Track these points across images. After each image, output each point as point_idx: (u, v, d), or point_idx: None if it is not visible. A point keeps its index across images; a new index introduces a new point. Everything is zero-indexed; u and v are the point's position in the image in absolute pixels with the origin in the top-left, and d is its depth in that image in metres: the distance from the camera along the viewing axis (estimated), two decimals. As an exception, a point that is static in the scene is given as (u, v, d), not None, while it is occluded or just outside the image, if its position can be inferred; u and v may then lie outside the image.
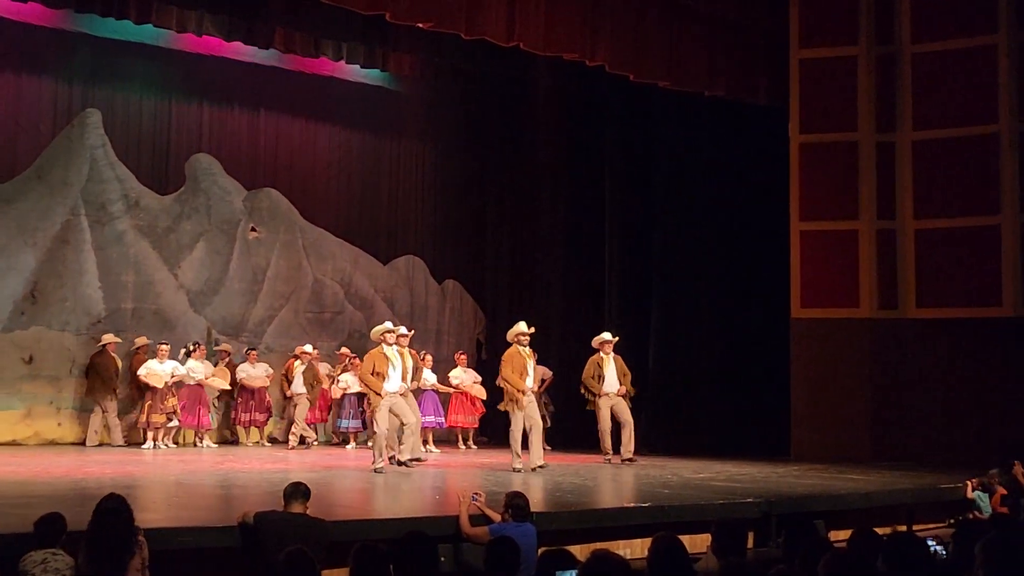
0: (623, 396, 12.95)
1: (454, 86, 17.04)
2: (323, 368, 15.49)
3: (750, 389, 14.97)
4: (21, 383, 13.81)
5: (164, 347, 14.03)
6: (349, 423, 15.12)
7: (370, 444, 15.01)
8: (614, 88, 15.48)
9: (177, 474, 10.82)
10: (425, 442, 14.79)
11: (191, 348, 14.48)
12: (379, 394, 11.23)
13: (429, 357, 15.38)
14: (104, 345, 14.15)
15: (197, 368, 14.36)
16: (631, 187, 16.34)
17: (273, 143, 16.25)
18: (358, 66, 15.85)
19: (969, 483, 10.44)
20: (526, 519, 7.11)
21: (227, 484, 9.94)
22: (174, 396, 13.87)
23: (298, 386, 14.64)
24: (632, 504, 8.80)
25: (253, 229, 15.91)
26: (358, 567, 5.07)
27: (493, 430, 15.88)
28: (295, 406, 14.65)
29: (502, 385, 12.03)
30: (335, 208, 16.75)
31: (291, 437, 14.53)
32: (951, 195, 14.09)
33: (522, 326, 12.06)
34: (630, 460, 12.82)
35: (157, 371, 13.85)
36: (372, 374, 11.24)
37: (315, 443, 14.83)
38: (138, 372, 13.93)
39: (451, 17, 12.67)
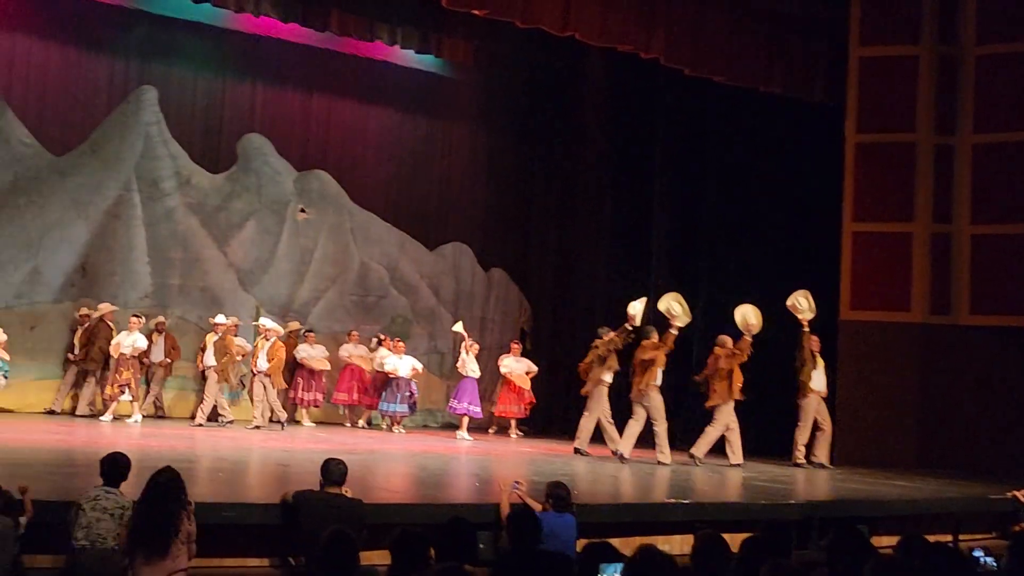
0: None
1: (507, 74, 17.01)
2: (361, 350, 15.55)
3: (795, 390, 14.82)
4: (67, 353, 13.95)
5: (136, 319, 13.73)
6: (396, 407, 15.07)
7: (396, 429, 15.09)
8: (668, 81, 15.37)
9: (223, 450, 10.92)
10: (458, 428, 14.88)
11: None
12: None
13: (476, 345, 15.41)
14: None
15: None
16: (681, 181, 16.23)
17: (324, 125, 16.31)
18: (412, 51, 15.86)
19: (1017, 493, 10.27)
20: (566, 510, 7.10)
21: (272, 462, 10.02)
22: (129, 370, 13.51)
23: (209, 359, 14.06)
24: (673, 500, 8.76)
25: (302, 210, 15.99)
26: (399, 551, 5.09)
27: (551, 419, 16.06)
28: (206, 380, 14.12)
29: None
30: (384, 192, 16.80)
31: (199, 412, 13.86)
32: (1010, 201, 13.84)
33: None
34: (822, 465, 12.86)
35: (119, 342, 13.62)
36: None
37: (229, 423, 14.04)
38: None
39: (507, 5, 12.66)
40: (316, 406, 15.25)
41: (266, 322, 14.12)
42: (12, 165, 13.87)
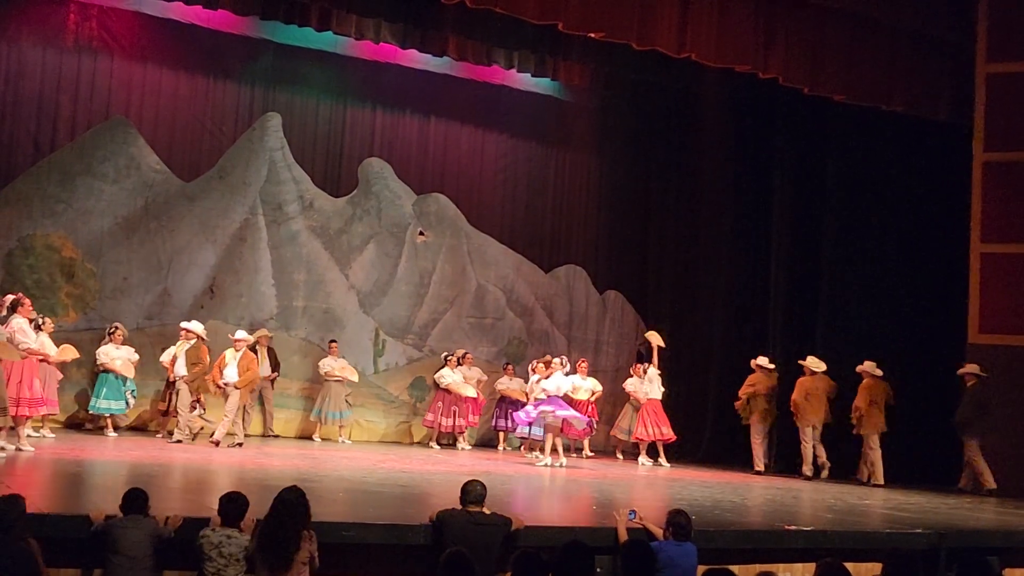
0: None
1: (623, 96, 17.04)
2: (475, 372, 15.61)
3: (921, 416, 14.43)
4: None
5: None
6: (533, 431, 14.31)
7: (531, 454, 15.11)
8: (787, 101, 15.18)
9: (343, 470, 11.10)
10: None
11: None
12: None
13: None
14: None
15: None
16: (800, 202, 15.97)
17: (442, 149, 16.55)
18: (529, 75, 16.01)
19: None
20: (687, 538, 7.01)
21: (391, 483, 10.15)
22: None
23: (180, 368, 12.99)
24: (794, 527, 8.59)
25: (421, 233, 16.23)
26: (519, 573, 5.12)
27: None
28: (177, 392, 12.95)
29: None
30: (500, 215, 16.95)
31: (220, 430, 12.71)
32: None
33: None
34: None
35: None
36: None
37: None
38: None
39: (623, 28, 12.67)
40: (460, 432, 15.25)
41: (240, 333, 13.34)
42: (143, 191, 14.42)
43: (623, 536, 7.32)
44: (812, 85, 13.82)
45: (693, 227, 17.21)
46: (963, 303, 14.06)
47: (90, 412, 13.43)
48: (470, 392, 15.12)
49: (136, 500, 6.30)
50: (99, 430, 13.35)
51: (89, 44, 14.16)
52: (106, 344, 13.27)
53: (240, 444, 12.61)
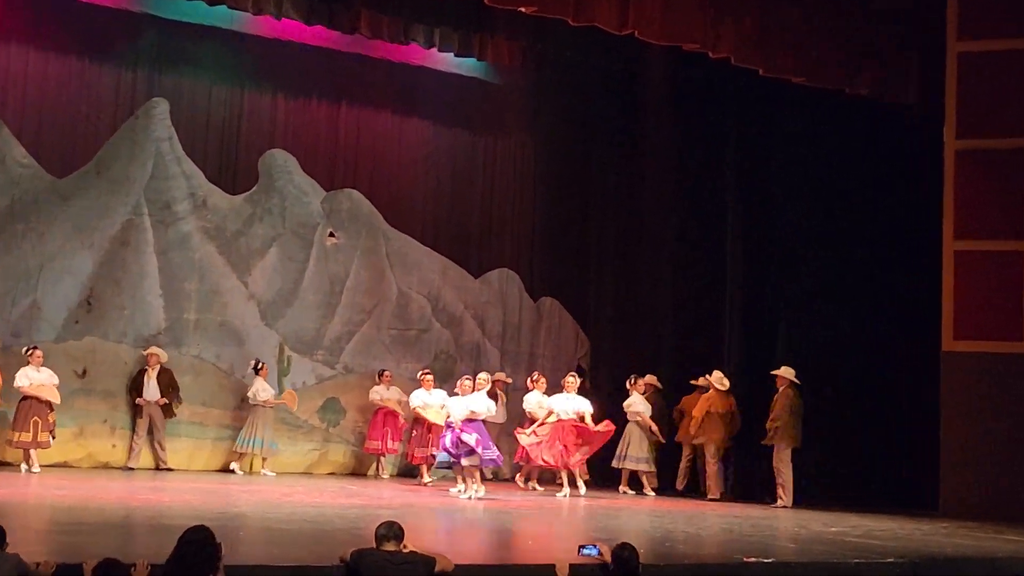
0: None
1: (558, 77, 17.10)
2: (394, 392, 15.53)
3: (892, 432, 14.71)
4: (73, 399, 14.12)
5: (38, 352, 13.31)
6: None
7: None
8: (740, 84, 15.34)
9: (243, 506, 10.99)
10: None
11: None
12: None
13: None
14: None
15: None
16: (756, 197, 16.18)
17: (355, 139, 16.47)
18: (452, 54, 15.99)
19: None
20: (634, 574, 7.04)
21: (299, 519, 10.07)
22: (53, 411, 13.38)
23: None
24: (754, 559, 8.69)
25: (331, 234, 16.13)
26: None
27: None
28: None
29: None
30: (423, 212, 16.91)
31: None
32: None
33: None
34: None
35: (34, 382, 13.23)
36: None
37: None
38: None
39: (557, 1, 12.72)
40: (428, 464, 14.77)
41: None
42: (8, 189, 14.14)
43: (564, 571, 7.33)
44: (767, 66, 13.97)
45: (637, 225, 17.32)
46: (936, 307, 14.32)
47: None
48: (435, 418, 14.47)
49: None
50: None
51: (-57, 20, 13.89)
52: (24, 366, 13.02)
53: None
